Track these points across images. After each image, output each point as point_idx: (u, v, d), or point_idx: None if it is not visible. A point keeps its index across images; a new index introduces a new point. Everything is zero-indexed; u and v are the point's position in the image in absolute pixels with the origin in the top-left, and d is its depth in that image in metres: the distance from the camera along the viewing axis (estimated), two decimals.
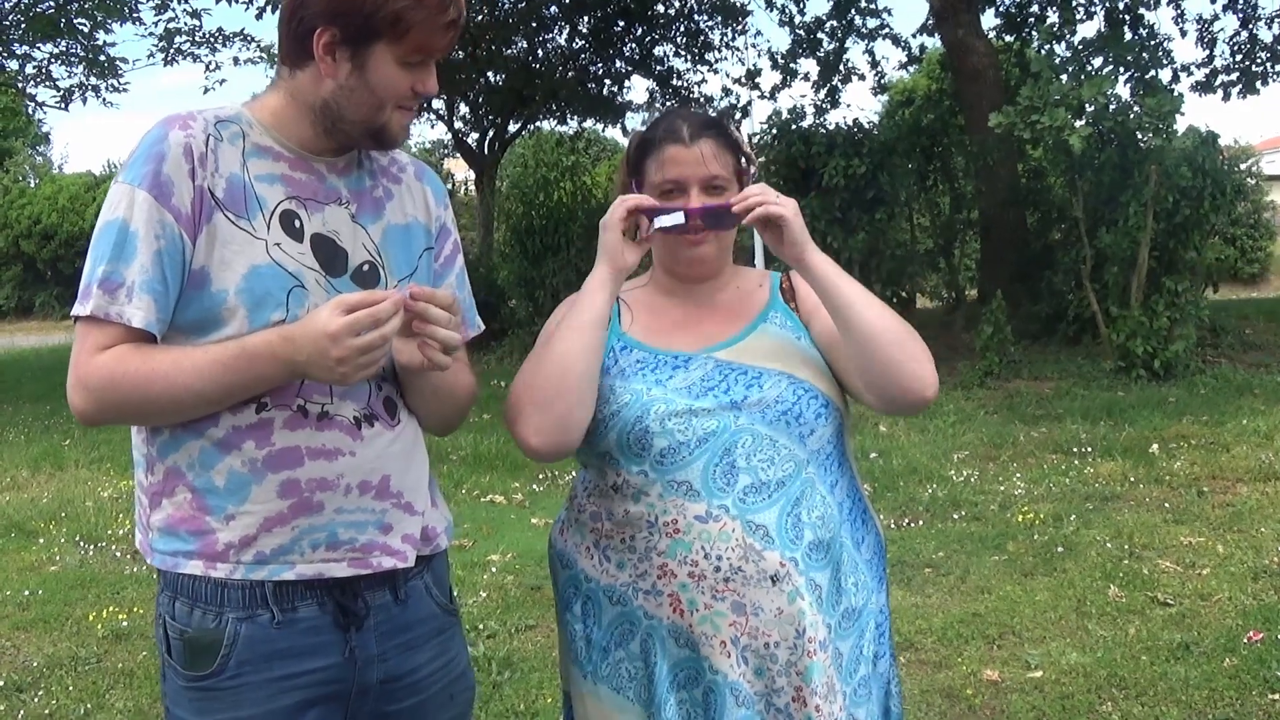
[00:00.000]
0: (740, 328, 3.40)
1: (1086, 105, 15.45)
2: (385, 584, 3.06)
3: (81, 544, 10.49)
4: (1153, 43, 17.86)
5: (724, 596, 3.17)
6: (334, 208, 3.03)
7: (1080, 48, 17.36)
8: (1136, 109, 15.82)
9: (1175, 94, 16.41)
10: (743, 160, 3.48)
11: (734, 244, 3.62)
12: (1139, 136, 16.07)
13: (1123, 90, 17.10)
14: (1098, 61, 17.10)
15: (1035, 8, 20.30)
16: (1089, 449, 11.95)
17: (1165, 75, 18.89)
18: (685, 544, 3.19)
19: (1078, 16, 17.57)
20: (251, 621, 2.91)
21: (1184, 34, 22.91)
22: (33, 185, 51.80)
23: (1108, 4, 16.28)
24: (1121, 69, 17.05)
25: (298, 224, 2.95)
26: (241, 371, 2.79)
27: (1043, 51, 17.14)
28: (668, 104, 28.66)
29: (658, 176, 3.37)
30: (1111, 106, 16.00)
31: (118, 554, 10.09)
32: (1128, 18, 17.54)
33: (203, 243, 2.84)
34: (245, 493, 2.88)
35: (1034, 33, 18.90)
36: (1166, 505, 9.83)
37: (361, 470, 2.97)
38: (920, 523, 9.83)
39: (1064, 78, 16.09)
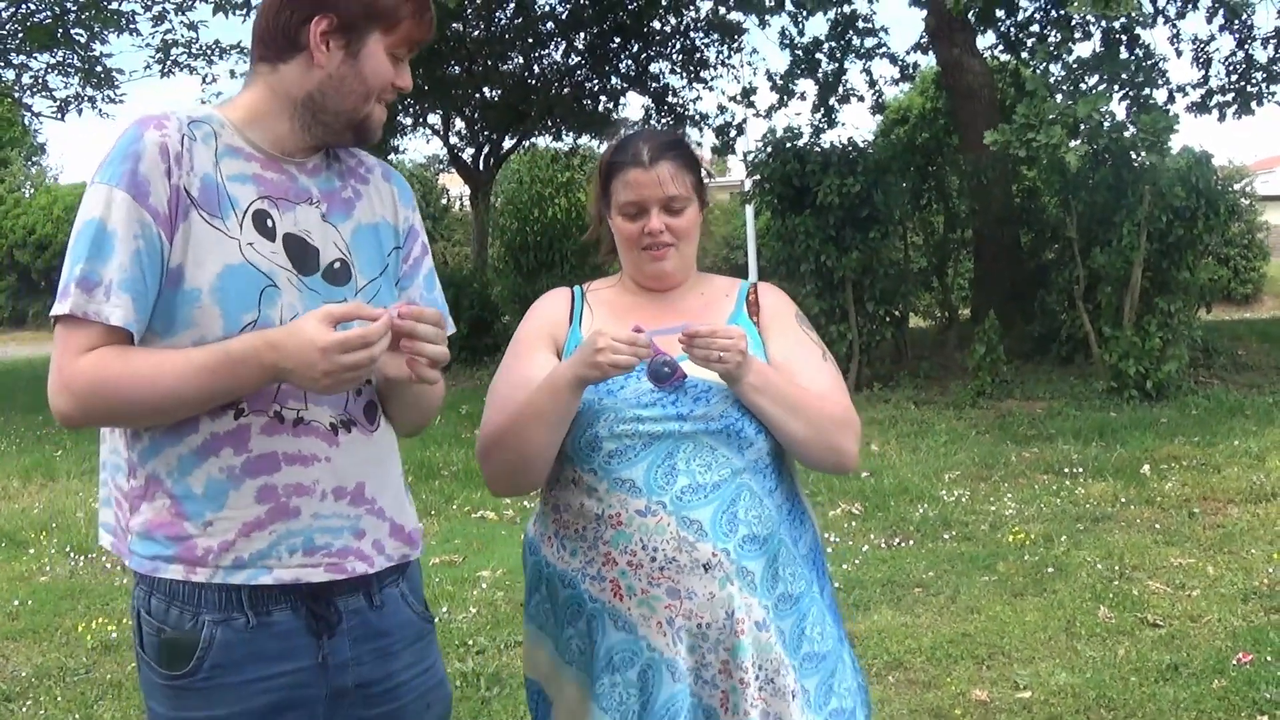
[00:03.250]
0: None
1: (1081, 124, 15.45)
2: (359, 589, 3.10)
3: (72, 555, 10.50)
4: (1148, 62, 17.85)
5: (659, 583, 3.47)
6: (305, 207, 3.07)
7: (1075, 66, 17.36)
8: (1131, 128, 15.82)
9: (1170, 113, 16.40)
10: (703, 175, 3.78)
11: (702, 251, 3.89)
12: (1133, 156, 16.07)
13: (1118, 109, 17.10)
14: (1093, 80, 17.09)
15: (1035, 27, 20.29)
16: (1080, 469, 11.95)
17: (1161, 95, 18.88)
18: (626, 535, 3.48)
19: (1075, 35, 17.56)
20: (227, 625, 2.94)
21: (1179, 54, 22.96)
22: (28, 195, 51.81)
23: (1104, 24, 16.25)
24: (1116, 88, 17.05)
25: (270, 223, 2.99)
26: (225, 376, 2.82)
27: (1039, 71, 17.14)
28: (662, 121, 28.69)
29: (621, 198, 3.69)
30: (1106, 124, 16.00)
31: (108, 565, 10.07)
32: (1124, 37, 17.53)
33: (179, 242, 2.87)
34: (223, 499, 2.91)
35: (1030, 52, 18.91)
36: (1157, 526, 9.84)
37: (337, 476, 3.01)
38: (911, 542, 9.83)
39: (1059, 96, 16.10)
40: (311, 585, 3.00)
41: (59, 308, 2.85)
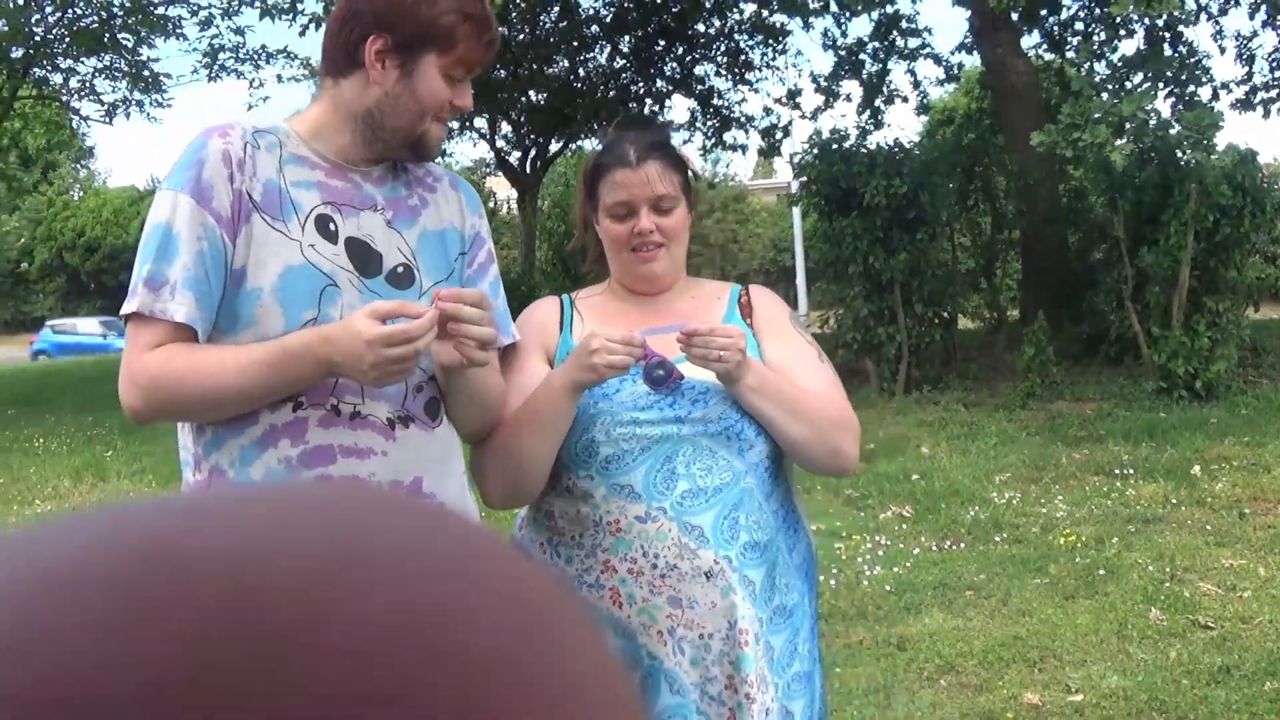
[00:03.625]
0: None
1: (1127, 123, 15.43)
2: None
3: None
4: (1192, 60, 17.81)
5: (660, 591, 3.35)
6: (369, 213, 3.15)
7: (1120, 65, 17.33)
8: (1176, 125, 15.79)
9: (1215, 110, 16.35)
10: (690, 176, 3.71)
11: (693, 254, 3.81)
12: (1179, 154, 16.04)
13: (1163, 107, 17.07)
14: (1137, 79, 17.08)
15: (1078, 25, 20.26)
16: (1130, 470, 11.93)
17: (1205, 93, 18.84)
18: (626, 542, 3.37)
19: (1119, 34, 17.54)
20: None
21: (1223, 51, 22.80)
22: (77, 198, 52.15)
23: (1147, 21, 16.23)
24: (1161, 85, 17.02)
25: (332, 227, 3.08)
26: (282, 369, 2.92)
27: (1083, 70, 17.12)
28: (708, 123, 28.71)
29: (609, 199, 3.59)
30: (1151, 123, 15.98)
31: None
32: (1168, 35, 17.50)
33: (242, 243, 2.98)
34: None
35: (1074, 51, 18.88)
36: (1208, 527, 9.82)
37: (393, 470, 3.08)
38: (962, 545, 9.83)
39: (1104, 95, 16.08)
40: None
41: (128, 306, 2.97)
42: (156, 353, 2.93)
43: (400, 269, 3.15)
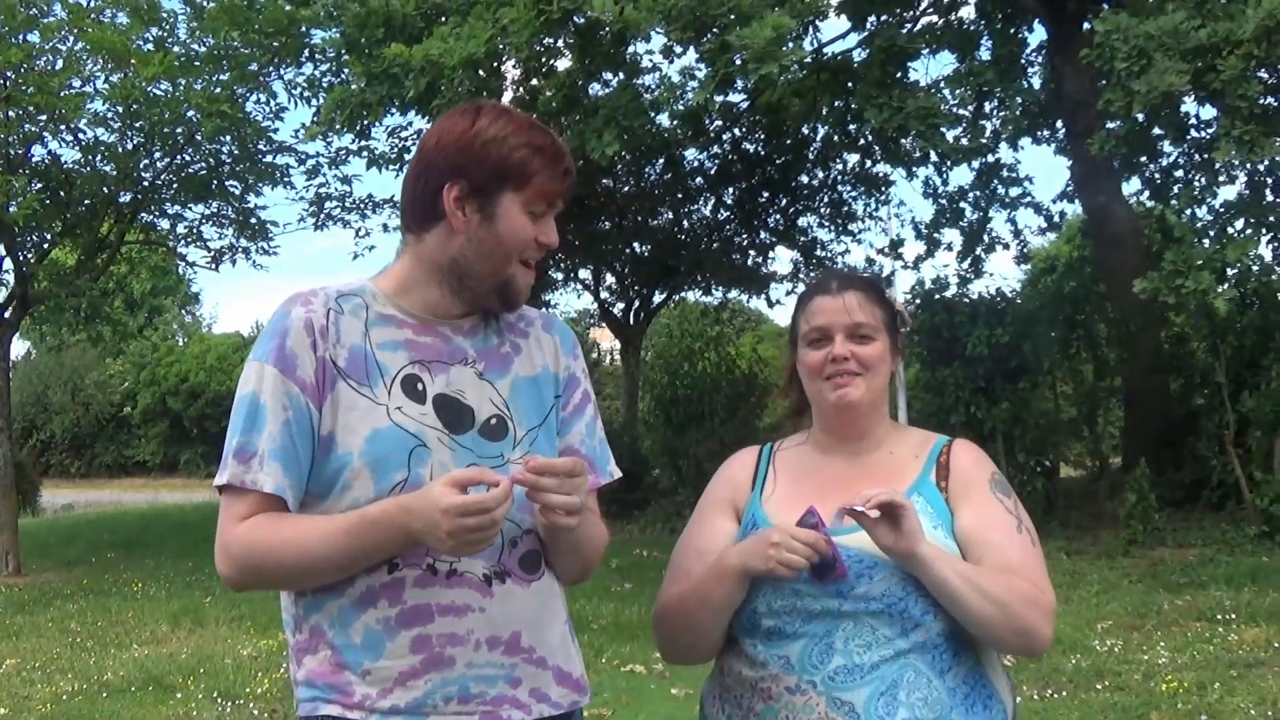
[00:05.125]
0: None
1: (1230, 269, 15.40)
2: None
3: (219, 700, 10.61)
4: None
5: None
6: (459, 368, 3.16)
7: (1222, 210, 17.31)
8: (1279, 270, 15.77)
9: None
10: (896, 318, 3.62)
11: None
12: None
13: (1265, 251, 17.03)
14: (1239, 224, 17.03)
15: (1179, 171, 20.22)
16: (1233, 615, 11.75)
17: None
18: (774, 710, 3.31)
19: (1220, 180, 17.51)
20: None
21: None
22: (181, 344, 52.77)
23: (1249, 166, 16.20)
24: (1264, 230, 16.97)
25: (420, 386, 3.10)
26: (365, 538, 2.94)
27: (1184, 216, 17.11)
28: (811, 274, 28.77)
29: (805, 326, 3.54)
30: (1255, 268, 15.95)
31: (255, 711, 10.21)
32: (1270, 180, 17.45)
33: (328, 410, 3.03)
34: (380, 649, 3.00)
35: (1175, 198, 18.86)
36: None
37: (491, 625, 3.07)
38: (1064, 693, 9.71)
39: (1206, 241, 16.05)
40: None
41: (219, 478, 3.05)
42: (247, 523, 3.00)
43: (494, 420, 3.17)
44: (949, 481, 3.48)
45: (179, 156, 22.27)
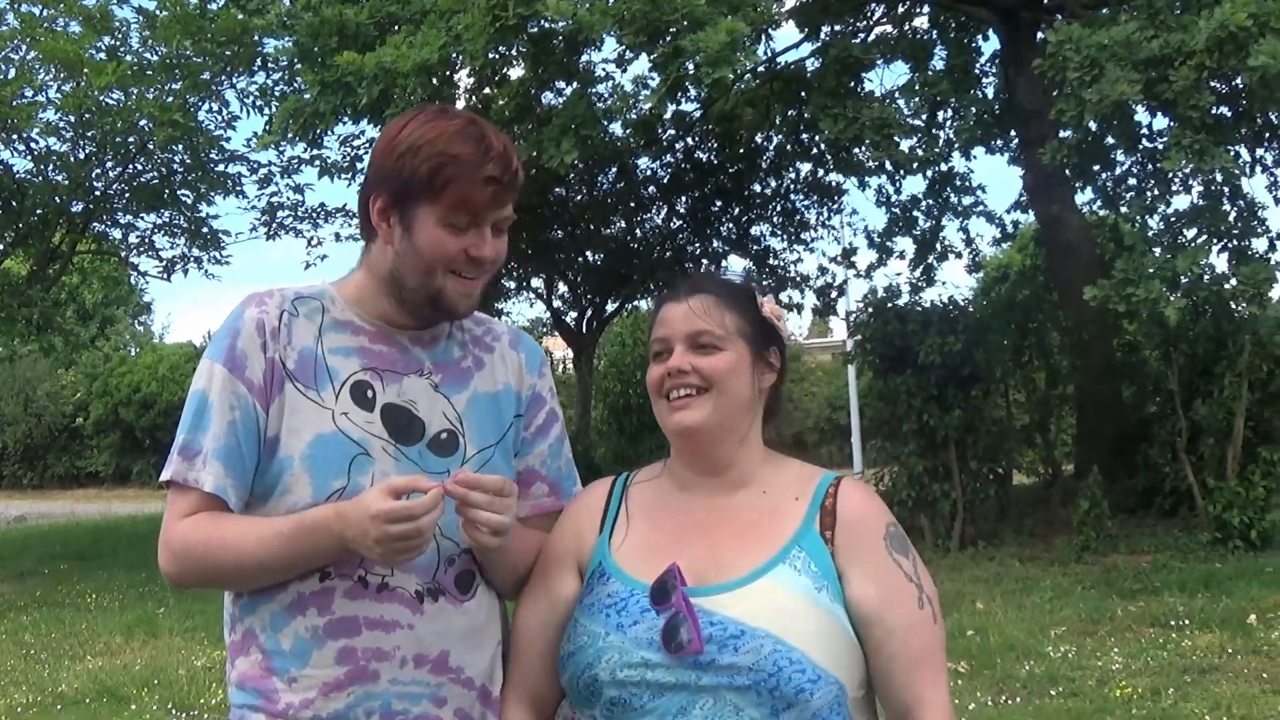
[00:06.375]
0: (748, 567, 2.92)
1: (1181, 278, 15.46)
2: None
3: (174, 711, 10.59)
4: (1248, 213, 17.81)
5: None
6: (413, 378, 3.14)
7: (1174, 219, 17.37)
8: (1232, 280, 15.85)
9: (1271, 263, 16.41)
10: (763, 327, 3.14)
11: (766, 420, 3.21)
12: (1234, 307, 16.10)
13: (1217, 261, 17.11)
14: (1191, 233, 17.10)
15: (1132, 180, 20.27)
16: (1186, 621, 11.81)
17: (1260, 244, 18.79)
18: None
19: (1173, 189, 17.56)
20: None
21: (1278, 201, 22.71)
22: (133, 354, 52.48)
23: (1200, 175, 16.25)
24: (1215, 240, 17.04)
25: (370, 394, 3.08)
26: (300, 543, 2.92)
27: (1136, 225, 17.17)
28: (764, 283, 28.81)
29: (651, 338, 3.14)
30: (1206, 277, 16.03)
31: None
32: (1226, 189, 17.51)
33: (275, 412, 3.02)
34: (307, 657, 3.00)
35: (1127, 206, 18.92)
36: (1264, 675, 9.72)
37: (419, 643, 3.05)
38: (1018, 699, 9.74)
39: (1158, 250, 16.11)
40: None
41: (165, 473, 3.04)
42: (189, 521, 3.00)
43: (444, 435, 3.13)
44: (834, 532, 2.97)
45: (131, 166, 22.29)
